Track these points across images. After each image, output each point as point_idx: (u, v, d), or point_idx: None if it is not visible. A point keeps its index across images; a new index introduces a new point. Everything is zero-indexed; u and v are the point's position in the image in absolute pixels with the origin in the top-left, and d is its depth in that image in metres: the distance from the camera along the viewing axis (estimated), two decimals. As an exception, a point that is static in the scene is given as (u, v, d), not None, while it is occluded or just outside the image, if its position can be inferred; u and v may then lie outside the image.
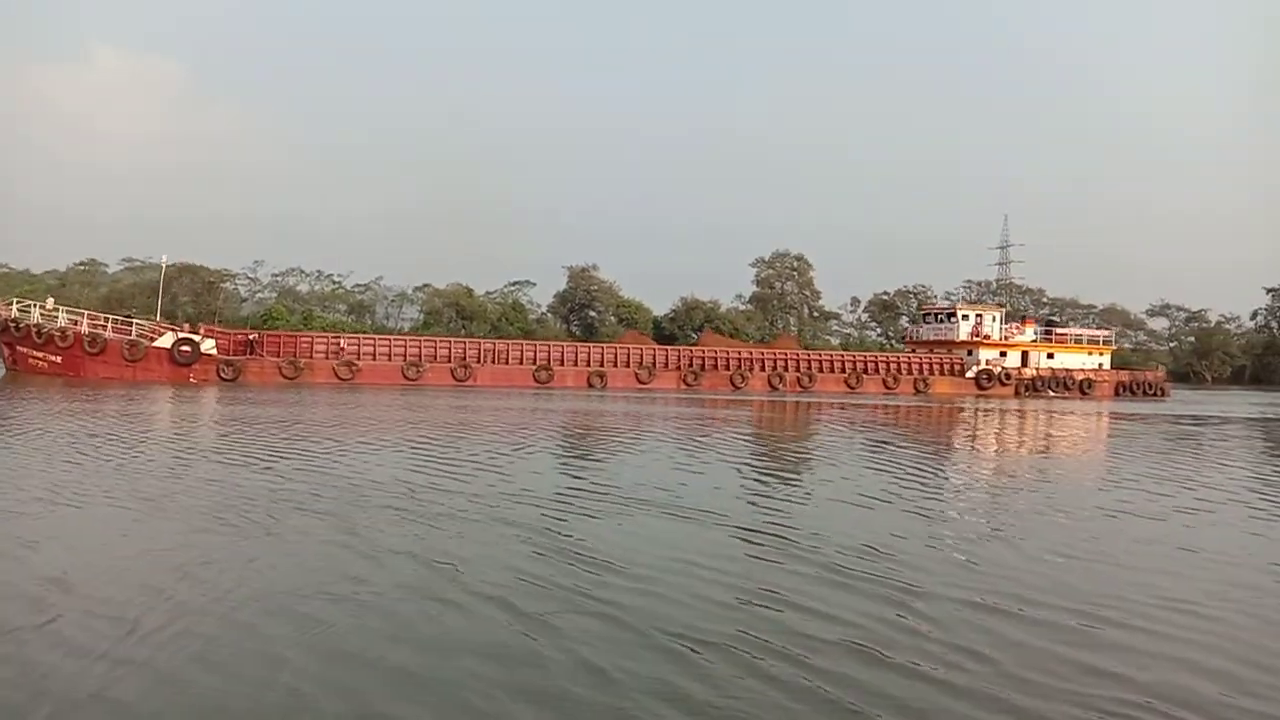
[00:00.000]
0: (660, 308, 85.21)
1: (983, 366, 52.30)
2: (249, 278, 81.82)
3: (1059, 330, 59.11)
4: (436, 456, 14.20)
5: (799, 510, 10.49)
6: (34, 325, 36.10)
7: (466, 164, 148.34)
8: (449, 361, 42.70)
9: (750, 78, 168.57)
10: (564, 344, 49.53)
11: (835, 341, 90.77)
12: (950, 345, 54.56)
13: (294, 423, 19.72)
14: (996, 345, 54.39)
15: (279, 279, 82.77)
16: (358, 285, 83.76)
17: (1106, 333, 63.54)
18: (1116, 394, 53.29)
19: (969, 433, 24.56)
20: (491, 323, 76.66)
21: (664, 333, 78.85)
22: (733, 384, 46.29)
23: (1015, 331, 56.40)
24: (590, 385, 43.58)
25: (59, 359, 35.87)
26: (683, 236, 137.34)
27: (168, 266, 72.26)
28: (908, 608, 6.47)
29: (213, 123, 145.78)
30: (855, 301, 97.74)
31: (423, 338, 48.36)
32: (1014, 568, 7.85)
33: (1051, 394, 51.05)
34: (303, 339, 42.71)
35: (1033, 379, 52.38)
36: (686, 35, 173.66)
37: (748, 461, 15.88)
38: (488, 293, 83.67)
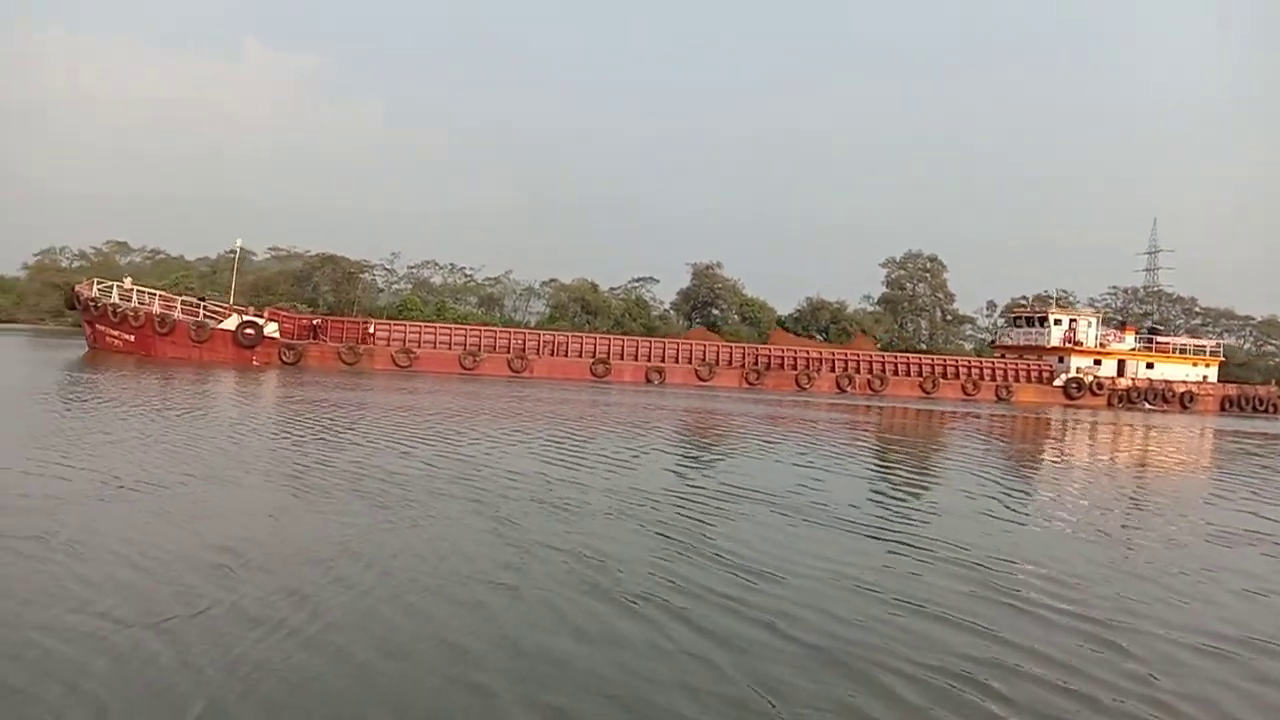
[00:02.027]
0: (784, 308, 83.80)
1: (1073, 375, 49.41)
2: (386, 269, 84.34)
3: (1160, 339, 55.00)
4: (558, 449, 14.08)
5: (944, 523, 9.85)
6: (110, 305, 37.41)
7: (594, 162, 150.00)
8: (506, 352, 42.56)
9: (879, 78, 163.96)
10: (624, 338, 48.72)
11: (968, 346, 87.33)
12: (1041, 351, 51.87)
13: (401, 409, 19.99)
14: (1091, 353, 51.33)
15: (414, 271, 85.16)
16: (488, 279, 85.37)
17: (1214, 343, 58.78)
18: (1222, 409, 49.62)
19: (1080, 446, 23.40)
20: (615, 318, 76.83)
21: (789, 333, 77.49)
22: (797, 384, 44.87)
23: (1113, 339, 52.95)
24: (648, 380, 42.94)
25: (132, 338, 37.05)
26: (803, 238, 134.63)
27: (310, 256, 75.66)
28: (1114, 644, 5.79)
29: (354, 118, 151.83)
30: (991, 306, 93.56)
31: (482, 328, 48.37)
32: (1219, 602, 7.07)
33: (1148, 406, 47.94)
34: (365, 326, 43.47)
35: (1127, 390, 49.21)
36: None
37: (865, 468, 15.25)
38: (612, 289, 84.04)
